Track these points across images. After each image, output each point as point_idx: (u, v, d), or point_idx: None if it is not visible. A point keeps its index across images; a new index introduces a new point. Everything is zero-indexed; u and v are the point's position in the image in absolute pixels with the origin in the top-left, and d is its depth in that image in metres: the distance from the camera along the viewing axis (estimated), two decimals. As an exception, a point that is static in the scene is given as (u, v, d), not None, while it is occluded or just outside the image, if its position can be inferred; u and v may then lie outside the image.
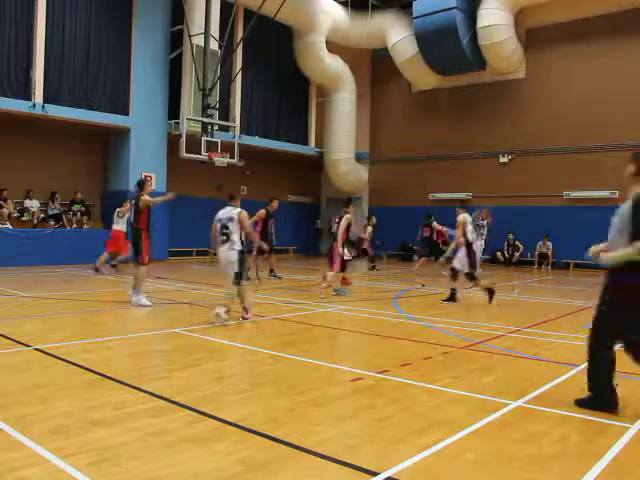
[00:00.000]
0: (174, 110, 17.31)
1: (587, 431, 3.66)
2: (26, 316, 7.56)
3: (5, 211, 14.68)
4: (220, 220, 7.75)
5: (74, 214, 16.17)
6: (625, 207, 4.09)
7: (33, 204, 15.64)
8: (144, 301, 8.64)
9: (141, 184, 9.24)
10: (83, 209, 16.51)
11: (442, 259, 12.60)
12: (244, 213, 7.75)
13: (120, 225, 13.48)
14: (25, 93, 14.47)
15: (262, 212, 12.73)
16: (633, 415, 3.95)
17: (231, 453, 3.15)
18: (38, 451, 3.09)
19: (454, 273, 9.66)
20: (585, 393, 4.11)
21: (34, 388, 4.26)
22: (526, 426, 3.71)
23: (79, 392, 4.20)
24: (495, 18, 18.32)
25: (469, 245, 9.49)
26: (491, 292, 9.50)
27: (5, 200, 14.94)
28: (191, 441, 3.30)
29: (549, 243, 18.58)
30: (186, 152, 16.43)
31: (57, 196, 16.26)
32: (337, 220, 11.06)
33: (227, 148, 17.47)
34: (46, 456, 3.02)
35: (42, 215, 15.79)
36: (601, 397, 4.01)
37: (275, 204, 13.11)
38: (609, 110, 17.62)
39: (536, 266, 18.55)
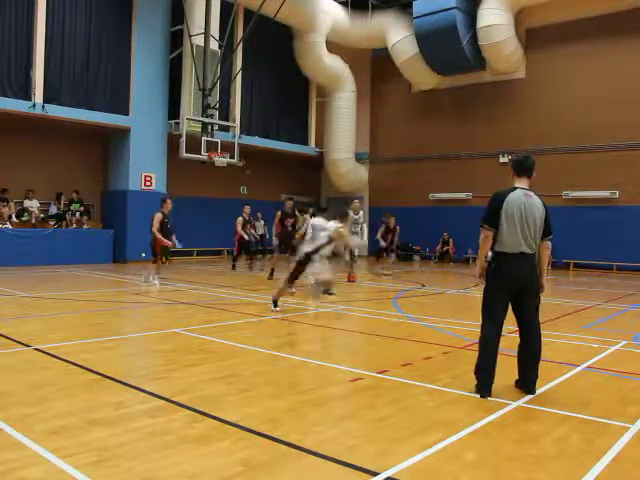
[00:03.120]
0: (174, 110, 17.31)
1: (587, 431, 3.66)
2: (26, 316, 7.56)
3: (6, 211, 14.70)
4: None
5: (73, 214, 16.20)
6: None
7: (33, 204, 15.67)
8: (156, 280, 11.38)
9: (160, 202, 11.63)
10: (82, 209, 16.53)
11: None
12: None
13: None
14: (25, 93, 14.47)
15: (278, 214, 13.51)
16: (633, 415, 3.95)
17: (231, 453, 3.15)
18: (38, 451, 3.09)
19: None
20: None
21: (34, 388, 4.26)
22: (526, 426, 3.71)
23: (79, 392, 4.21)
24: (495, 18, 18.31)
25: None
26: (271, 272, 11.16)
27: (7, 201, 14.98)
28: (191, 441, 3.30)
29: (549, 243, 18.55)
30: (186, 152, 16.43)
31: (63, 197, 16.35)
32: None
33: (227, 148, 17.47)
34: (46, 456, 3.03)
35: (42, 215, 15.83)
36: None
37: (289, 203, 13.59)
38: (609, 110, 17.62)
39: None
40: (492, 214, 4.42)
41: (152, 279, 11.46)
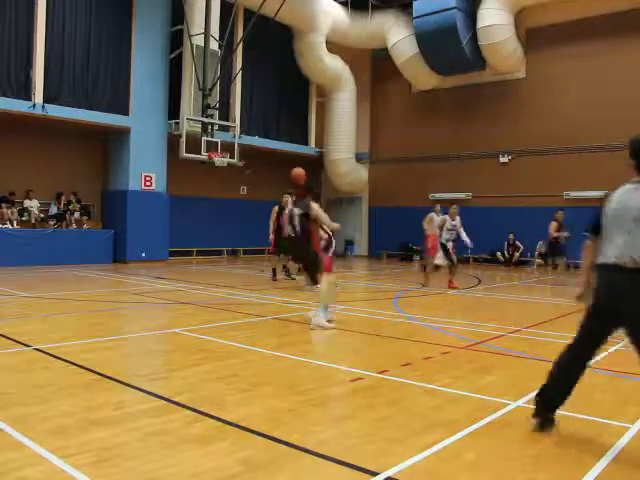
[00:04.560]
0: (174, 110, 17.32)
1: (587, 431, 3.66)
2: (26, 316, 7.56)
3: (7, 213, 14.69)
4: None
5: (71, 213, 16.21)
6: None
7: (33, 204, 15.68)
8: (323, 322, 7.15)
9: (311, 189, 8.28)
10: (79, 207, 16.53)
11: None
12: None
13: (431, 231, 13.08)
14: (25, 93, 14.47)
15: (274, 209, 12.66)
16: (633, 415, 3.94)
17: (231, 453, 3.15)
18: (38, 451, 3.08)
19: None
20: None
21: (34, 388, 4.26)
22: (526, 426, 3.70)
23: (79, 392, 4.21)
24: (495, 18, 18.31)
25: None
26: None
27: (13, 203, 15.02)
28: (191, 441, 3.30)
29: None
30: (186, 152, 16.44)
31: (63, 197, 16.38)
32: None
33: (227, 148, 17.48)
34: (46, 456, 3.02)
35: (41, 215, 15.84)
36: None
37: (287, 198, 12.47)
38: (609, 110, 17.61)
39: (536, 266, 18.56)
40: (593, 217, 3.61)
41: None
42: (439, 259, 11.94)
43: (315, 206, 7.71)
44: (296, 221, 7.71)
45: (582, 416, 3.91)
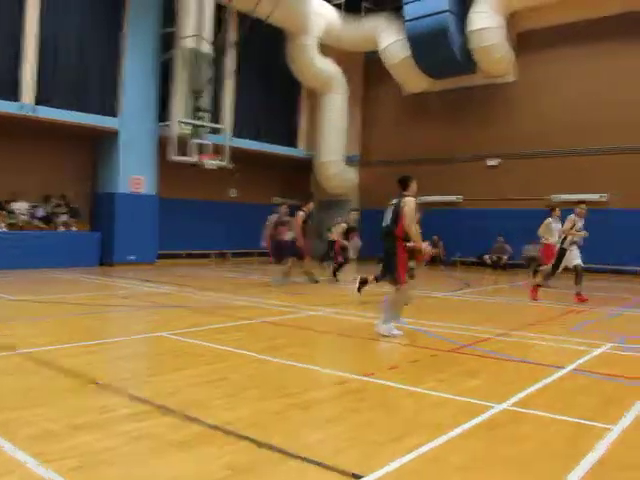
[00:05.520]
0: (165, 112, 17.26)
1: (571, 433, 3.69)
2: (12, 320, 7.50)
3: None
4: None
5: (58, 216, 16.09)
6: None
7: (20, 206, 15.53)
8: (394, 331, 6.73)
9: (405, 181, 7.57)
10: (66, 209, 16.41)
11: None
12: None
13: (553, 238, 12.06)
14: (14, 94, 14.35)
15: (300, 214, 12.50)
16: (615, 416, 3.98)
17: (217, 457, 3.14)
18: (19, 457, 3.05)
19: None
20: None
21: (18, 392, 4.23)
22: (511, 428, 3.73)
23: (64, 396, 4.17)
24: (486, 22, 18.39)
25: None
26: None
27: (6, 211, 14.92)
28: (176, 445, 3.28)
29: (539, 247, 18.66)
30: (176, 154, 16.38)
31: (52, 199, 16.26)
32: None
33: (218, 150, 17.44)
34: (28, 461, 2.99)
35: (27, 215, 15.67)
36: None
37: (310, 206, 12.83)
38: (599, 113, 17.75)
39: (526, 269, 18.65)
40: None
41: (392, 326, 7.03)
42: (576, 259, 10.53)
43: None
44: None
45: (566, 418, 3.94)
